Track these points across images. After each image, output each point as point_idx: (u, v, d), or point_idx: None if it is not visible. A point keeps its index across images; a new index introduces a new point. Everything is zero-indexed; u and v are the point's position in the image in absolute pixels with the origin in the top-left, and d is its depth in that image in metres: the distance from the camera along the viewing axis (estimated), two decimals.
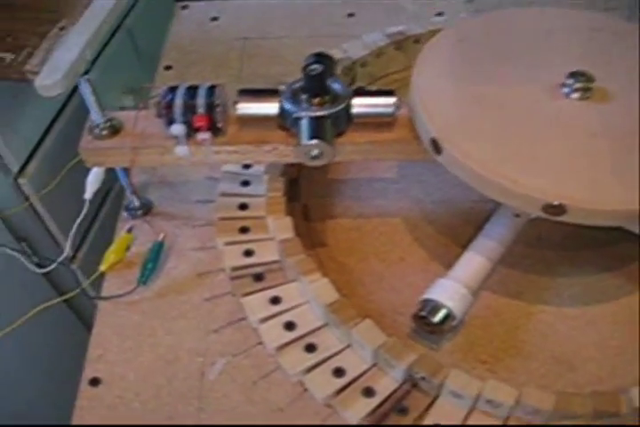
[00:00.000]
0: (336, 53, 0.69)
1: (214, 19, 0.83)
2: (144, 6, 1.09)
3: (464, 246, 0.56)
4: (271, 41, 0.79)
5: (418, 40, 0.71)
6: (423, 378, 0.47)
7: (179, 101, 0.51)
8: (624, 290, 0.57)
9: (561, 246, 0.59)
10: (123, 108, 0.58)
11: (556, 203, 0.44)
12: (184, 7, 0.85)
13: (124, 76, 0.93)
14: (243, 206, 0.59)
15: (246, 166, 0.62)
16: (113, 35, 1.00)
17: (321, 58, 0.53)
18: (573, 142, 0.48)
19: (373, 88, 0.68)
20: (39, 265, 0.63)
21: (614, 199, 0.45)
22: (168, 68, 0.76)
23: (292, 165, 0.60)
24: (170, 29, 0.82)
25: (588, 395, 0.47)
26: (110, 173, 0.58)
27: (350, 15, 0.83)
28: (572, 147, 0.48)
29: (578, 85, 0.50)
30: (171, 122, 0.51)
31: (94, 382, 0.51)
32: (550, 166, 0.46)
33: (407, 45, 0.71)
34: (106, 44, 0.90)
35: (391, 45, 0.71)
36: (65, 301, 0.69)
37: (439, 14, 0.81)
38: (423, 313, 0.51)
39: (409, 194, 0.63)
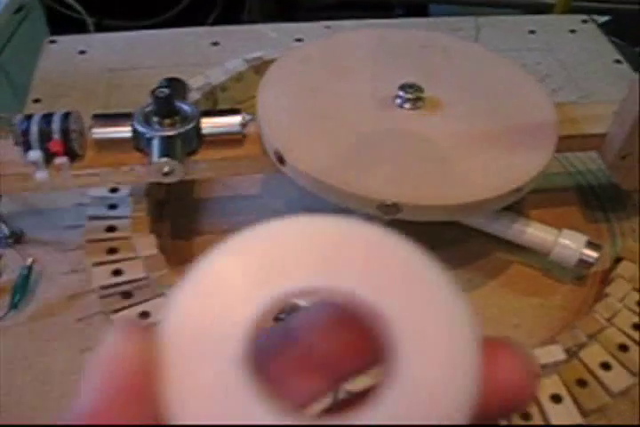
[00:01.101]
0: (199, 80, 0.73)
1: (82, 52, 0.85)
2: (17, 43, 1.10)
3: None
4: (138, 71, 0.82)
5: None
6: None
7: (34, 128, 0.53)
8: (473, 283, 0.62)
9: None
10: None
11: (389, 202, 0.49)
12: (52, 42, 0.87)
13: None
14: (110, 228, 0.61)
15: (113, 190, 0.64)
16: None
17: (171, 82, 0.56)
18: (405, 148, 0.53)
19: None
20: None
21: (442, 196, 0.50)
22: (37, 100, 0.78)
23: (159, 186, 0.62)
24: (38, 64, 0.84)
25: None
26: None
27: (215, 44, 0.86)
28: (404, 152, 0.52)
29: (408, 96, 0.55)
30: (28, 149, 0.53)
31: None
32: (384, 170, 0.51)
33: (265, 69, 0.74)
34: None
35: (250, 70, 0.74)
36: None
37: (298, 40, 0.85)
38: (282, 316, 0.54)
39: (272, 207, 0.66)
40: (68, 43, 0.87)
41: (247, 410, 0.18)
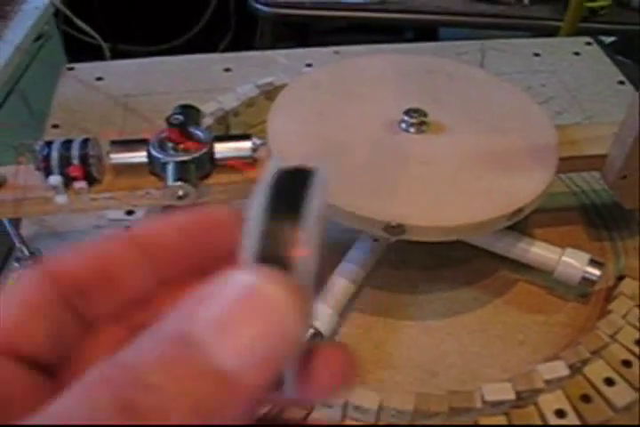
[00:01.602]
0: (212, 105, 0.75)
1: (99, 79, 0.88)
2: (36, 70, 1.14)
3: None
4: (153, 97, 0.84)
5: None
6: None
7: (54, 154, 0.55)
8: (479, 301, 0.63)
9: (422, 267, 0.65)
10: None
11: (394, 223, 0.50)
12: (70, 69, 0.90)
13: (18, 136, 0.97)
14: None
15: (129, 213, 0.66)
16: (6, 98, 1.04)
17: (185, 109, 0.58)
18: (410, 171, 0.55)
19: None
20: None
21: (445, 217, 0.51)
22: (55, 126, 0.80)
23: (172, 209, 0.64)
24: (56, 90, 0.86)
25: (444, 394, 0.53)
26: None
27: (227, 70, 0.89)
28: (409, 174, 0.54)
29: (413, 121, 0.57)
30: (49, 174, 0.55)
31: None
32: (389, 192, 0.53)
33: (276, 95, 0.76)
34: None
35: (261, 95, 0.77)
36: None
37: (309, 65, 0.88)
38: None
39: None
40: (86, 70, 0.90)
41: None
